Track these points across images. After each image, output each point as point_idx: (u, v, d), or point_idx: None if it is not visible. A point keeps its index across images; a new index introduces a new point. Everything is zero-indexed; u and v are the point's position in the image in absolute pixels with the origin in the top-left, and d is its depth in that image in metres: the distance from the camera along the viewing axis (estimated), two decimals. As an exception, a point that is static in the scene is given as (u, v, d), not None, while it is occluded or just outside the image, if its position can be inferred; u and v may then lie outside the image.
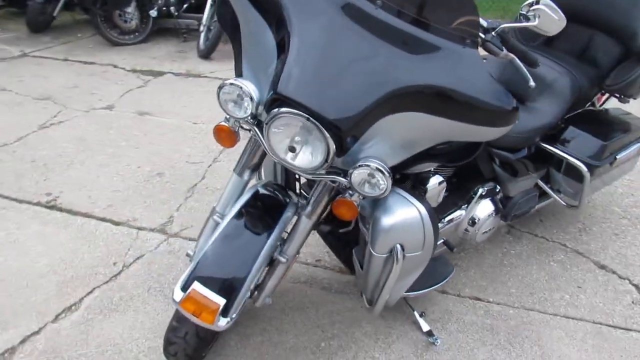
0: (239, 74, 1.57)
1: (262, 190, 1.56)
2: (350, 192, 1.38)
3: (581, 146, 1.95)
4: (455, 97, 1.26)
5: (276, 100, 1.22)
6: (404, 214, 1.43)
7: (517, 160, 1.98)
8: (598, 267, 2.22)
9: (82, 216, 2.48)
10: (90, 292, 2.02)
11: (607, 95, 2.22)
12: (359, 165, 1.28)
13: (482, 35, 1.33)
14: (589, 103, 2.18)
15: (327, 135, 1.19)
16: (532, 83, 1.38)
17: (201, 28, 5.06)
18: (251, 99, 1.33)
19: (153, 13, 5.23)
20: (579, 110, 2.12)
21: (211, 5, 5.00)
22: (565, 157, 1.95)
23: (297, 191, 1.82)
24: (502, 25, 1.35)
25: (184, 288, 1.34)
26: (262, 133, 1.36)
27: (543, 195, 2.20)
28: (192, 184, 2.79)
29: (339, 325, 1.90)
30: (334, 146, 1.21)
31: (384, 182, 1.28)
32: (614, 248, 2.33)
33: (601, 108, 2.25)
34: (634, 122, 2.16)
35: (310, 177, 1.40)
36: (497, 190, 1.99)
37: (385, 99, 1.21)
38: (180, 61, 4.88)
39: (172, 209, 2.57)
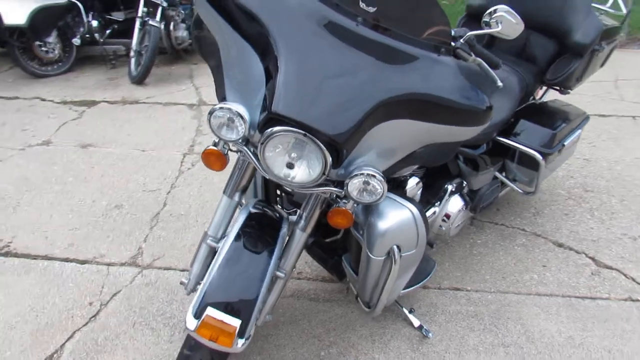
0: (222, 97, 1.59)
1: (254, 210, 1.59)
2: (345, 201, 1.45)
3: (533, 137, 2.14)
4: (437, 102, 1.37)
5: (271, 120, 1.27)
6: (397, 216, 1.52)
7: (478, 156, 2.14)
8: (556, 245, 2.43)
9: (43, 259, 2.37)
10: (71, 336, 1.94)
11: (545, 88, 2.45)
12: (355, 175, 1.34)
13: (453, 44, 1.45)
14: (532, 97, 2.40)
15: (324, 149, 1.25)
16: (499, 83, 1.52)
17: (131, 53, 4.97)
18: (243, 120, 1.35)
19: (76, 41, 5.06)
20: (524, 105, 2.32)
21: (139, 29, 4.92)
22: (520, 148, 2.13)
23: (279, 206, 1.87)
24: (469, 33, 1.48)
25: (197, 315, 1.34)
26: (252, 153, 1.40)
27: (500, 185, 2.38)
28: (155, 213, 2.74)
29: (334, 332, 1.95)
30: (330, 159, 1.27)
31: (380, 187, 1.35)
32: (567, 227, 2.56)
33: (543, 101, 2.47)
34: (573, 111, 2.40)
35: (306, 191, 1.45)
36: (464, 185, 2.14)
37: (375, 110, 1.29)
38: (112, 89, 4.75)
39: (138, 241, 2.51)
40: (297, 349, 1.88)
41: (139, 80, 4.86)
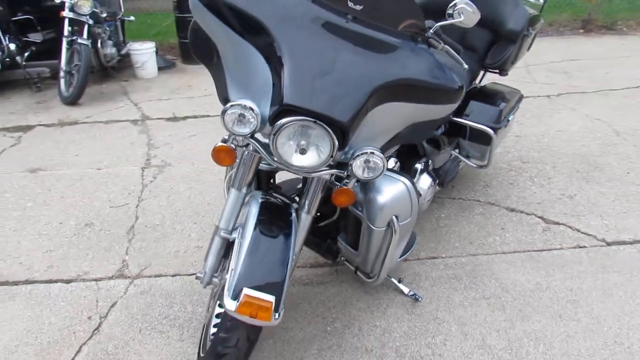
0: (224, 97, 1.72)
1: (262, 200, 1.72)
2: (347, 180, 1.63)
3: (484, 115, 2.44)
4: (421, 84, 1.59)
5: (281, 112, 1.42)
6: (394, 189, 1.73)
7: (439, 136, 2.41)
8: (509, 210, 2.76)
9: (25, 284, 2.33)
10: (79, 350, 1.95)
11: (482, 73, 2.78)
12: (358, 155, 1.53)
13: (426, 34, 1.69)
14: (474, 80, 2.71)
15: (332, 133, 1.43)
16: (465, 66, 1.78)
17: (60, 74, 4.84)
18: (255, 115, 1.49)
19: (-3, 66, 4.85)
20: (470, 88, 2.63)
21: (67, 49, 4.80)
22: (475, 126, 2.42)
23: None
24: (437, 25, 1.72)
25: (234, 297, 1.45)
26: (260, 145, 1.55)
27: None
28: (129, 227, 2.76)
29: (334, 309, 2.11)
30: (337, 142, 1.45)
31: (381, 163, 1.55)
32: (514, 194, 2.91)
33: (483, 84, 2.80)
34: (510, 91, 2.75)
35: (313, 174, 1.60)
36: (430, 164, 2.39)
37: (371, 95, 1.49)
38: (45, 112, 4.60)
39: (120, 254, 2.53)
40: (304, 328, 2.02)
41: (73, 100, 4.74)
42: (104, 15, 5.19)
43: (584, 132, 3.69)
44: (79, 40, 4.74)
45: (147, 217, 2.85)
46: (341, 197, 1.65)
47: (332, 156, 1.47)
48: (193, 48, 1.78)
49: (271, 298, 1.47)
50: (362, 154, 1.53)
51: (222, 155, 1.61)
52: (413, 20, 1.67)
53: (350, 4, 1.58)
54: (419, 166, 2.31)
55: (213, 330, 1.82)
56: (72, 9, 4.77)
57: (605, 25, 6.73)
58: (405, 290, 2.16)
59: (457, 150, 2.65)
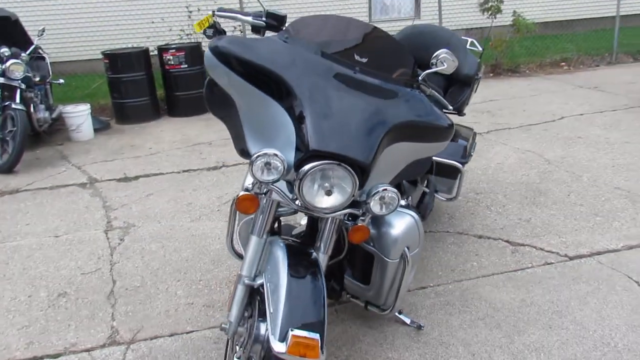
0: (240, 148, 1.80)
1: (283, 244, 1.78)
2: (362, 218, 1.75)
3: (452, 151, 2.68)
4: (422, 125, 1.78)
5: (308, 157, 1.54)
6: (404, 222, 1.87)
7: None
8: (477, 237, 3.00)
9: (6, 364, 2.17)
10: None
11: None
12: (375, 193, 1.67)
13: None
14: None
15: (354, 173, 1.56)
16: (450, 107, 2.00)
17: (-7, 142, 4.59)
18: (281, 161, 1.58)
19: None
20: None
21: (-1, 115, 4.60)
22: (445, 162, 2.65)
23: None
24: (424, 73, 1.94)
25: (282, 339, 1.48)
26: (285, 191, 1.64)
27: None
28: (108, 291, 2.66)
29: (345, 347, 2.17)
30: (358, 182, 1.58)
31: (397, 198, 1.69)
32: (477, 222, 3.17)
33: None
34: (465, 129, 3.04)
35: (335, 214, 1.70)
36: (409, 200, 2.58)
37: (384, 137, 1.65)
38: (-23, 183, 4.32)
39: (106, 320, 2.43)
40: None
41: (9, 168, 4.51)
42: (37, 79, 5.05)
43: (520, 163, 4.10)
44: (13, 106, 4.57)
45: (125, 280, 2.76)
46: (357, 235, 1.76)
47: (353, 195, 1.60)
48: (209, 104, 1.86)
49: (316, 336, 1.52)
50: (378, 191, 1.67)
51: (247, 203, 1.67)
52: (405, 68, 1.87)
53: (356, 57, 1.76)
54: (403, 202, 2.48)
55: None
56: (3, 74, 4.61)
57: (511, 69, 7.55)
58: (407, 320, 2.27)
59: (425, 186, 2.87)
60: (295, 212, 1.81)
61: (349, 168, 1.55)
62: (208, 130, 5.53)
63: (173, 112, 6.32)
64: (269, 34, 1.92)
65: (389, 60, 1.85)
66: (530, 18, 7.42)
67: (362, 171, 1.58)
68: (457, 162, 2.65)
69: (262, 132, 1.72)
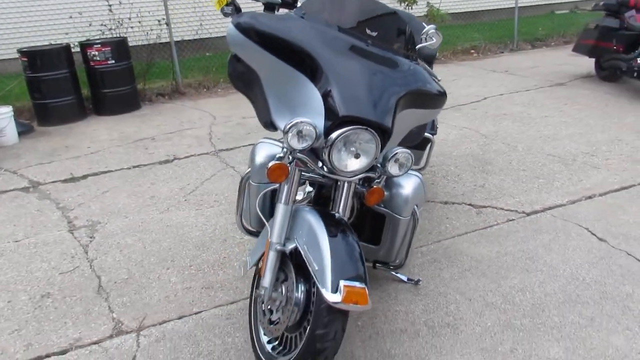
0: (265, 120, 1.88)
1: (313, 209, 1.89)
2: (378, 180, 1.92)
3: (423, 124, 2.92)
4: (426, 92, 1.98)
5: (342, 122, 1.68)
6: (413, 182, 2.05)
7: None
8: (444, 204, 3.28)
9: (9, 367, 2.07)
10: (127, 408, 1.84)
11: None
12: (391, 156, 1.84)
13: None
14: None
15: (378, 137, 1.73)
16: (439, 77, 2.22)
17: None
18: (314, 129, 1.70)
19: None
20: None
21: None
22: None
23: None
24: (418, 46, 2.14)
25: (335, 290, 1.60)
26: (314, 157, 1.76)
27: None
28: (95, 287, 2.60)
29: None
30: (381, 145, 1.75)
31: (411, 159, 1.88)
32: (440, 190, 3.46)
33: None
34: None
35: (358, 177, 1.85)
36: None
37: (398, 103, 1.83)
38: None
39: (104, 314, 2.38)
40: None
41: None
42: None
43: (461, 138, 4.48)
44: None
45: (111, 274, 2.70)
46: (373, 197, 1.93)
47: (375, 158, 1.76)
48: (232, 79, 1.92)
49: (363, 285, 1.66)
50: (395, 153, 1.84)
51: (279, 172, 1.76)
52: (406, 42, 2.06)
53: (367, 31, 1.91)
54: None
55: (265, 339, 1.91)
56: None
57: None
58: (404, 278, 2.47)
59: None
60: (311, 179, 1.93)
61: (374, 132, 1.70)
62: (146, 125, 5.39)
63: (100, 111, 6.04)
64: (282, 11, 2.01)
65: (393, 34, 2.02)
66: (443, 9, 7.98)
67: (382, 135, 1.75)
68: (428, 133, 2.89)
69: (288, 103, 1.82)
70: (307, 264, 1.71)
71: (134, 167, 4.26)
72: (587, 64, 6.46)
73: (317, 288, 1.67)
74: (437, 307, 2.30)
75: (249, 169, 2.16)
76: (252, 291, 2.12)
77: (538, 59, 7.80)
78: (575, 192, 3.32)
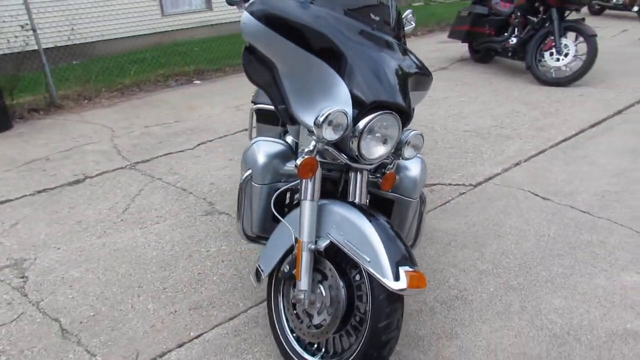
0: (286, 113, 1.76)
1: (340, 201, 1.82)
2: (390, 166, 1.93)
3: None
4: (423, 74, 2.01)
5: (372, 109, 1.65)
6: (418, 164, 2.08)
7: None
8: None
9: None
10: None
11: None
12: (407, 140, 1.85)
13: (401, 38, 2.12)
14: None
15: (400, 122, 1.74)
16: (422, 62, 2.27)
17: None
18: (347, 117, 1.64)
19: None
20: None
21: None
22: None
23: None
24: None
25: (396, 278, 1.56)
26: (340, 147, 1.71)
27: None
28: (57, 330, 2.23)
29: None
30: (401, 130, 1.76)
31: (422, 142, 1.91)
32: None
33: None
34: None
35: (375, 165, 1.82)
36: None
37: (408, 87, 1.84)
38: None
39: (85, 358, 2.06)
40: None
41: None
42: None
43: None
44: None
45: (71, 314, 2.33)
46: (388, 182, 1.93)
47: (397, 142, 1.77)
48: (247, 73, 1.77)
49: (417, 268, 1.65)
50: (411, 136, 1.85)
51: (309, 167, 1.68)
52: (396, 26, 2.08)
53: (372, 15, 1.88)
54: None
55: (299, 347, 1.83)
56: None
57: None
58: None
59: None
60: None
61: (397, 116, 1.70)
62: (30, 145, 4.71)
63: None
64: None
65: (389, 18, 2.01)
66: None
67: (403, 118, 1.75)
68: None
69: (311, 94, 1.72)
70: (354, 257, 1.65)
71: (39, 192, 3.71)
72: (459, 48, 7.10)
73: (371, 280, 1.63)
74: (439, 283, 2.36)
75: (248, 172, 2.02)
76: (271, 299, 1.98)
77: (413, 48, 8.35)
78: (503, 161, 3.65)
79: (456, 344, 2.00)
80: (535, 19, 5.64)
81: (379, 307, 1.63)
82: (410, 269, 1.61)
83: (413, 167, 2.06)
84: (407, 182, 2.03)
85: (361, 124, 1.64)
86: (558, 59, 5.32)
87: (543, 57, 5.45)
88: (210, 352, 2.04)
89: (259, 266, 1.98)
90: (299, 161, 1.67)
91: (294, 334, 1.92)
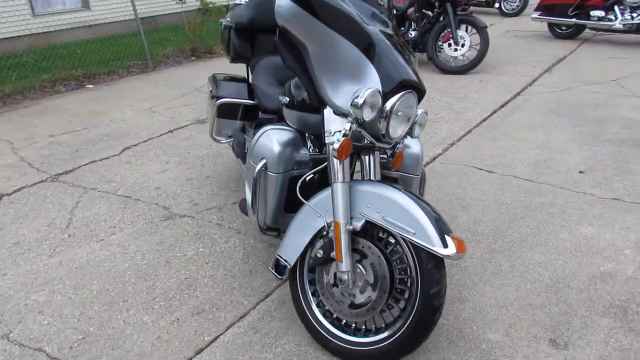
0: (317, 95, 1.76)
1: (366, 180, 1.87)
2: (400, 145, 2.03)
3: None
4: (413, 57, 2.13)
5: (399, 89, 1.73)
6: (417, 142, 2.19)
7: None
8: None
9: None
10: None
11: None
12: (416, 119, 1.95)
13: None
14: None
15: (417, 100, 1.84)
16: None
17: None
18: (382, 96, 1.69)
19: None
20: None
21: None
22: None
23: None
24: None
25: (444, 245, 1.65)
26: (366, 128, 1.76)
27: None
28: (45, 356, 1.99)
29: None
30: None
31: (427, 119, 2.03)
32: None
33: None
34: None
35: (397, 141, 1.90)
36: None
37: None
38: None
39: (95, 384, 1.87)
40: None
41: None
42: None
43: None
44: None
45: (55, 340, 2.09)
46: (399, 160, 2.03)
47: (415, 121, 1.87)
48: (283, 57, 1.74)
49: (455, 234, 1.76)
50: (418, 115, 1.96)
51: (347, 148, 1.71)
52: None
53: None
54: None
55: (336, 330, 1.87)
56: None
57: (208, 51, 8.03)
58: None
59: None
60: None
61: (416, 95, 1.80)
62: None
63: None
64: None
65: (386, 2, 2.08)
66: (220, 2, 8.00)
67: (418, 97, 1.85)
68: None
69: (340, 77, 1.74)
70: (397, 232, 1.71)
71: (-54, 218, 3.20)
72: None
73: (417, 250, 1.70)
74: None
75: (262, 162, 1.98)
76: (298, 288, 1.97)
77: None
78: (440, 142, 3.93)
79: (469, 305, 2.16)
80: (431, 13, 6.12)
81: (429, 275, 1.71)
82: (453, 236, 1.71)
83: (414, 145, 2.17)
84: (410, 159, 2.14)
85: (389, 104, 1.71)
86: (456, 49, 5.84)
87: (442, 48, 5.93)
88: (236, 353, 1.96)
89: (281, 257, 1.95)
90: (336, 144, 1.69)
91: (328, 319, 1.93)
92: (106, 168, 3.80)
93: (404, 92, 1.73)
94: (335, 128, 1.78)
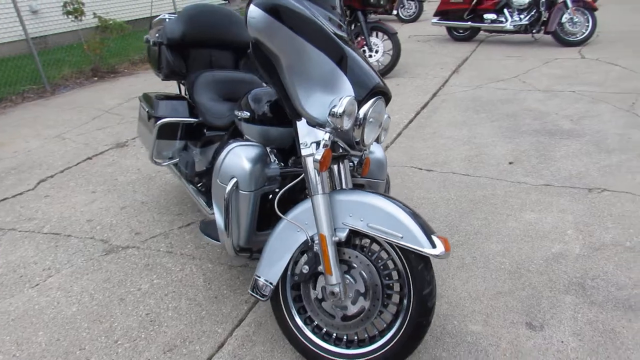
0: (291, 107, 1.71)
1: (347, 189, 1.85)
2: (367, 151, 2.05)
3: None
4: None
5: (370, 95, 1.75)
6: (379, 147, 2.22)
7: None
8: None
9: None
10: None
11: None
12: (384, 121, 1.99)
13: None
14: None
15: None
16: None
17: None
18: (358, 106, 1.69)
19: None
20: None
21: None
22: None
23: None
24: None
25: (432, 245, 1.67)
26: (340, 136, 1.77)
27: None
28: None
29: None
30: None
31: (389, 125, 2.07)
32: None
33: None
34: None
35: (368, 147, 1.91)
36: None
37: None
38: None
39: None
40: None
41: None
42: None
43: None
44: None
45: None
46: (367, 166, 2.06)
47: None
48: (260, 68, 1.66)
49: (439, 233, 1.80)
50: (384, 121, 1.99)
51: (328, 159, 1.69)
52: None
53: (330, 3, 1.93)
54: None
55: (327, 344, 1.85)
56: None
57: (110, 70, 7.60)
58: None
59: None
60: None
61: (384, 101, 1.83)
62: None
63: None
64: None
65: (337, 5, 2.08)
66: (120, 18, 7.58)
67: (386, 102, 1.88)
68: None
69: (314, 88, 1.71)
70: (383, 238, 1.71)
71: None
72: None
73: (406, 254, 1.71)
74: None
75: (233, 180, 1.90)
76: (282, 307, 1.90)
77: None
78: (375, 147, 4.01)
79: (445, 301, 2.21)
80: (342, 22, 6.25)
81: (420, 276, 1.72)
82: (440, 236, 1.75)
83: (377, 150, 2.20)
84: (375, 164, 2.16)
85: (362, 111, 1.71)
86: (370, 55, 6.02)
87: (356, 54, 6.09)
88: (225, 385, 1.85)
89: (259, 278, 1.88)
90: (317, 156, 1.66)
91: (318, 335, 1.88)
92: (22, 205, 3.44)
93: (375, 98, 1.74)
94: (311, 139, 1.75)
